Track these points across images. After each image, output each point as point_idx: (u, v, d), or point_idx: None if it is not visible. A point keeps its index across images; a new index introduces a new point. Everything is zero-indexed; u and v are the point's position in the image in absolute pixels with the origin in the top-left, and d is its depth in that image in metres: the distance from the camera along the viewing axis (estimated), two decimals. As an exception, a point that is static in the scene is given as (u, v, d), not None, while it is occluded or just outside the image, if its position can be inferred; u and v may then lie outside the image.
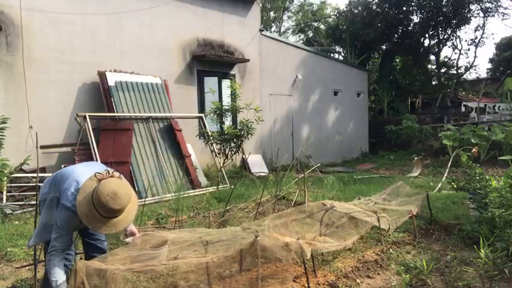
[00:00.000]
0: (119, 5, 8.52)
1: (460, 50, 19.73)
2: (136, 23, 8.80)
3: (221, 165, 7.88)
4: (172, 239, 2.79)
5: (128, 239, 2.91)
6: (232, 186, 6.68)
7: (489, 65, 25.64)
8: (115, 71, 8.21)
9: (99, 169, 2.66)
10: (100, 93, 7.99)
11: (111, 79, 7.98)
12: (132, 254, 2.63)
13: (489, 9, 18.08)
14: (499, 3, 17.89)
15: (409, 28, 18.85)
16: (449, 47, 38.04)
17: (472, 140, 11.21)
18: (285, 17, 30.23)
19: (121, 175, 2.63)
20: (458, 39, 21.39)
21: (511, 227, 3.79)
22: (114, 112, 7.75)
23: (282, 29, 29.63)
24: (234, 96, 7.93)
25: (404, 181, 6.64)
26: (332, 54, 19.94)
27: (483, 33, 19.60)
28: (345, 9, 20.91)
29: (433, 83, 19.59)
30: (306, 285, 3.30)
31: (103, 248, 2.98)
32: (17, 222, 5.44)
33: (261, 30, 11.64)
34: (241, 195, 6.74)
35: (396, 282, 3.55)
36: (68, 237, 2.56)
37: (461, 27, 18.48)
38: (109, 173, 2.54)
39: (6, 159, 5.57)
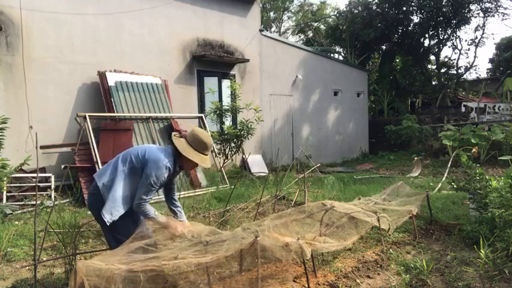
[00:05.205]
0: (118, 5, 8.52)
1: (460, 50, 19.77)
2: (136, 23, 8.80)
3: (221, 165, 7.89)
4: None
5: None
6: (232, 186, 6.67)
7: (489, 65, 25.70)
8: (115, 71, 8.21)
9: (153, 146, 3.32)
10: (100, 93, 7.99)
11: (111, 79, 7.98)
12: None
13: (489, 9, 18.11)
14: (499, 3, 17.95)
15: (409, 28, 18.85)
16: (449, 47, 38.27)
17: (472, 140, 11.21)
18: (285, 17, 30.23)
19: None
20: (458, 39, 21.48)
21: (511, 227, 3.80)
22: (114, 112, 7.76)
23: (282, 29, 29.64)
24: (234, 96, 7.95)
25: (404, 181, 6.64)
26: (332, 55, 19.94)
27: (483, 33, 19.66)
28: (345, 9, 20.91)
29: (433, 83, 19.61)
30: (306, 285, 3.30)
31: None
32: (17, 222, 5.44)
33: (261, 30, 11.64)
34: (241, 195, 6.74)
35: (396, 283, 3.55)
36: (155, 192, 3.06)
37: (461, 27, 18.52)
38: (182, 132, 3.34)
39: (6, 159, 5.55)
